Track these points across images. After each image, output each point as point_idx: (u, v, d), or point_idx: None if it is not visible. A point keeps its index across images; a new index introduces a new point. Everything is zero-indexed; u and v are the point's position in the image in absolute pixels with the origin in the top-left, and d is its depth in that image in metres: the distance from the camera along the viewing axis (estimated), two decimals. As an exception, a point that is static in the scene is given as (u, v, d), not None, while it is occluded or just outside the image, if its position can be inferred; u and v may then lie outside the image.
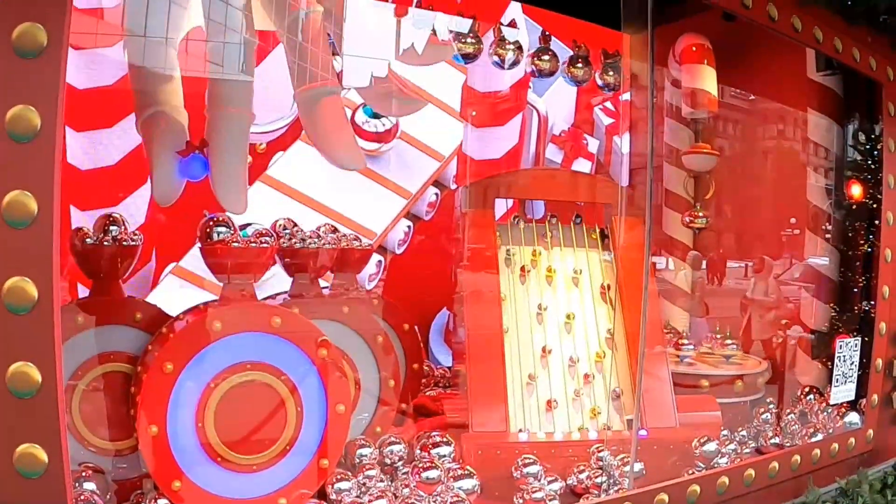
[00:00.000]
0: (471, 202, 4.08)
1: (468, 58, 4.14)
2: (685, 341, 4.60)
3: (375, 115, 4.79)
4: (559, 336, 3.82)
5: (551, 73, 4.36)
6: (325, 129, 3.37)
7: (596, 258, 4.06)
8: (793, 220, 4.97)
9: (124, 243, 3.15)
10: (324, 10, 3.27)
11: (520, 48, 4.20)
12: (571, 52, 4.48)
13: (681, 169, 5.01)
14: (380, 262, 4.84)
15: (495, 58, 4.17)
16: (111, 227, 3.11)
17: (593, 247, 4.09)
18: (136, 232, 3.24)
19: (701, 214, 4.83)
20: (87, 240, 3.09)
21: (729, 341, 4.72)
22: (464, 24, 4.15)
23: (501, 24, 4.17)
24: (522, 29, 4.72)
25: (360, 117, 4.78)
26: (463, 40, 4.09)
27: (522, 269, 3.92)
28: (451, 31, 4.13)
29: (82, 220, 3.48)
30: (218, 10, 3.00)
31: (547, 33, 4.37)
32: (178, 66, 3.14)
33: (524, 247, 4.00)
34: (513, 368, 3.68)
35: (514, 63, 4.20)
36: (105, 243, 3.10)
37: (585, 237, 4.10)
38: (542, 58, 4.31)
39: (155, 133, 3.12)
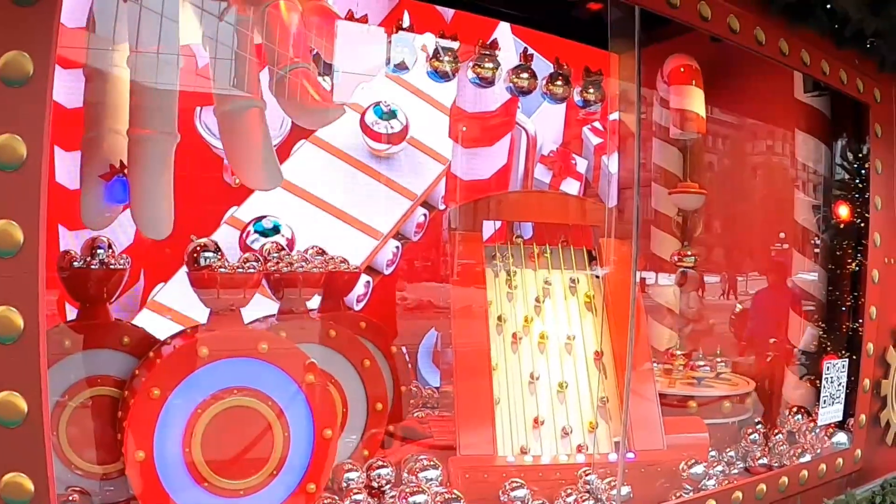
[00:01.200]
0: (459, 223, 4.08)
1: (445, 76, 4.14)
2: (702, 362, 4.62)
3: (385, 117, 4.81)
4: (547, 362, 3.82)
5: (530, 91, 4.34)
6: (237, 145, 3.27)
7: (584, 278, 4.06)
8: (782, 235, 4.99)
9: (111, 266, 3.15)
10: (250, 19, 3.17)
11: (498, 66, 4.20)
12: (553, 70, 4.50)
13: (669, 188, 5.02)
14: (368, 282, 4.84)
15: (473, 76, 4.17)
16: (98, 251, 3.11)
17: (581, 268, 4.09)
18: (124, 255, 3.23)
19: (689, 253, 4.82)
20: (75, 263, 3.09)
21: (719, 360, 4.73)
22: (449, 45, 4.17)
23: (483, 42, 4.15)
24: (510, 48, 4.73)
25: (370, 118, 4.83)
26: (440, 59, 4.08)
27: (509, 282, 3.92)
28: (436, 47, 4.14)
29: (71, 240, 3.47)
30: (150, 24, 2.94)
31: (529, 51, 4.38)
32: (124, 88, 3.07)
33: (513, 268, 4.00)
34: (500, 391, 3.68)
35: (493, 81, 4.19)
36: (92, 267, 3.10)
37: (573, 258, 4.10)
38: (521, 75, 4.31)
39: (88, 155, 3.10)
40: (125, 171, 3.06)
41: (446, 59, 4.11)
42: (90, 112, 3.14)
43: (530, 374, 3.77)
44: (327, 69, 4.69)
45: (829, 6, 3.76)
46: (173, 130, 3.02)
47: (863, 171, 4.41)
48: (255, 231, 4.42)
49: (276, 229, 4.42)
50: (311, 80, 3.28)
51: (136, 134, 2.96)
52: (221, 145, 3.39)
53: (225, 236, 4.33)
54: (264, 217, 4.46)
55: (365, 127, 4.84)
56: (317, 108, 3.36)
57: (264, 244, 3.56)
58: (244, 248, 4.30)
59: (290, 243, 4.36)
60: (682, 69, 4.58)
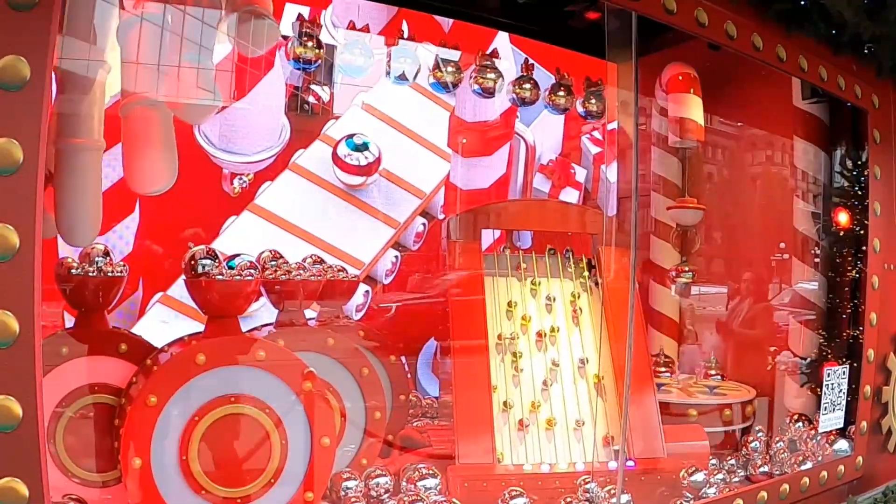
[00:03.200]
0: (459, 232, 4.08)
1: (447, 87, 4.15)
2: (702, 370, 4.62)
3: (357, 149, 4.79)
4: (546, 367, 3.81)
5: (533, 102, 4.37)
6: (127, 145, 3.12)
7: (582, 287, 4.05)
8: (782, 245, 4.98)
9: (109, 274, 3.14)
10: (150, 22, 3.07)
11: (500, 76, 4.21)
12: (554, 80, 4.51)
13: (668, 197, 5.01)
14: (367, 292, 4.83)
15: (476, 86, 4.18)
16: (96, 258, 3.10)
17: (580, 277, 4.08)
18: (122, 263, 3.23)
19: (687, 269, 4.80)
20: (72, 270, 3.08)
21: (713, 372, 4.72)
22: (449, 54, 4.18)
23: (484, 53, 4.17)
24: (509, 58, 4.74)
25: (343, 150, 4.78)
26: (442, 69, 4.09)
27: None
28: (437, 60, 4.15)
29: (69, 249, 3.47)
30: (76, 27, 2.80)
31: (530, 61, 4.39)
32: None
33: (510, 277, 3.99)
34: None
35: (494, 92, 4.20)
36: (90, 274, 3.10)
37: (573, 267, 4.09)
38: (524, 86, 4.32)
39: None
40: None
41: (448, 69, 4.12)
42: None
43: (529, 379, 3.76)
44: (327, 79, 4.73)
45: (825, 12, 3.76)
46: (100, 140, 2.92)
47: (862, 178, 4.41)
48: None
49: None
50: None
51: (63, 143, 2.82)
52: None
53: (224, 245, 4.32)
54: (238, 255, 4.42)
55: (337, 159, 4.81)
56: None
57: (262, 252, 3.54)
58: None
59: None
60: (680, 77, 4.58)
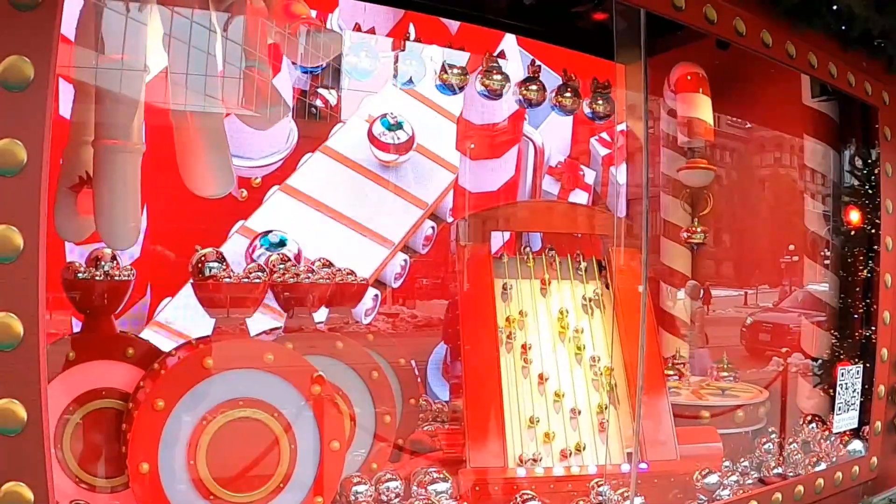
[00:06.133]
0: (469, 235, 4.06)
1: (453, 89, 4.14)
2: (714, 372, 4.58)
3: (391, 128, 4.81)
4: (557, 371, 3.79)
5: (539, 103, 4.34)
6: (184, 151, 3.17)
7: (593, 289, 4.03)
8: (791, 248, 4.95)
9: (116, 278, 3.12)
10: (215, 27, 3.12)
11: (507, 78, 4.19)
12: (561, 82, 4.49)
13: (678, 199, 4.99)
14: (376, 296, 4.81)
15: (482, 88, 4.16)
16: (103, 262, 3.08)
17: (591, 279, 4.05)
18: (129, 267, 3.21)
19: (699, 230, 4.77)
20: (79, 274, 3.07)
21: (725, 374, 4.69)
22: (456, 57, 4.17)
23: (491, 54, 4.15)
24: (516, 59, 4.73)
25: (378, 129, 4.87)
26: (449, 71, 4.08)
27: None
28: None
29: (77, 253, 3.46)
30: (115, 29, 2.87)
31: (537, 62, 4.37)
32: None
33: (521, 280, 3.97)
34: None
35: (501, 93, 4.18)
36: (96, 278, 3.07)
37: (583, 269, 4.06)
38: (530, 88, 4.30)
39: (63, 168, 3.07)
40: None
41: (455, 71, 4.11)
42: (73, 123, 3.10)
43: (540, 378, 3.74)
44: (334, 82, 4.72)
45: (834, 6, 3.73)
46: (140, 142, 2.94)
47: (873, 176, 4.37)
48: (262, 245, 4.42)
49: (282, 243, 4.42)
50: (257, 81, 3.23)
51: (101, 145, 2.88)
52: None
53: (232, 250, 4.32)
54: (271, 231, 4.45)
55: (373, 138, 4.86)
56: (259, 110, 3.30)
57: (270, 256, 3.53)
58: (250, 261, 4.28)
59: (297, 258, 4.35)
60: (688, 77, 4.56)
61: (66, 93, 3.65)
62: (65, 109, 3.20)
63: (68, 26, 2.94)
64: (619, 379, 3.80)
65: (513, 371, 3.72)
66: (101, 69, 2.83)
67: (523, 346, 3.79)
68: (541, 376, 3.73)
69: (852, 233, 4.52)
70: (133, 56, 2.85)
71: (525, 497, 3.25)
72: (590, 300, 3.98)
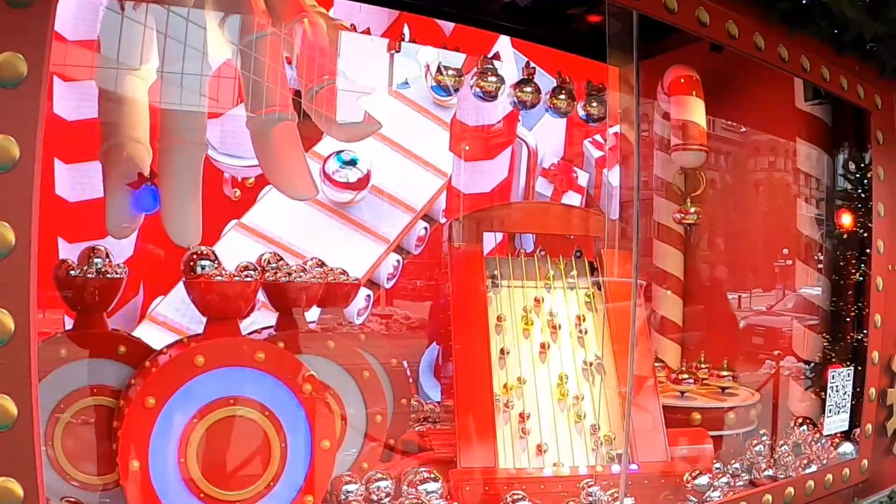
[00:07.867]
0: (462, 236, 4.06)
1: (448, 90, 4.14)
2: (685, 376, 4.56)
3: (346, 164, 4.76)
4: (548, 371, 3.79)
5: (534, 105, 4.35)
6: (276, 157, 3.33)
7: (585, 290, 4.03)
8: (785, 251, 4.96)
9: (108, 276, 3.12)
10: (279, 34, 3.21)
11: (502, 80, 4.20)
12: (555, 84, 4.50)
13: (671, 202, 4.99)
14: (368, 296, 4.81)
15: (477, 90, 4.17)
16: (95, 260, 3.08)
17: (582, 280, 4.06)
18: (121, 265, 3.21)
19: (692, 210, 4.76)
20: (71, 272, 3.07)
21: (724, 373, 4.68)
22: (451, 58, 4.17)
23: (485, 56, 4.16)
24: (511, 61, 4.73)
25: (332, 166, 4.73)
26: (444, 73, 4.09)
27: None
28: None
29: (71, 252, 3.46)
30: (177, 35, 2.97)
31: (531, 64, 4.38)
32: (145, 98, 3.12)
33: (513, 281, 3.98)
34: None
35: (496, 95, 4.19)
36: (89, 276, 3.08)
37: (575, 271, 4.07)
38: (525, 89, 4.31)
39: (110, 165, 3.11)
40: (154, 179, 3.11)
41: (450, 73, 4.12)
42: (108, 123, 3.15)
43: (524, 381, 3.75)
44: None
45: (827, 10, 3.74)
46: (202, 141, 3.13)
47: (865, 180, 4.39)
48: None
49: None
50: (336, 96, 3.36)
51: (167, 143, 2.99)
52: (256, 157, 3.45)
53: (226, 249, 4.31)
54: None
55: (326, 176, 4.75)
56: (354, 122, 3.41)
57: (263, 254, 3.52)
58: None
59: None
60: (682, 80, 4.57)
61: (64, 93, 3.72)
62: (64, 110, 3.24)
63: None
64: (610, 379, 3.81)
65: (504, 371, 3.73)
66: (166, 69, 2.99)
67: (515, 347, 3.80)
68: (533, 380, 3.73)
69: (844, 236, 4.53)
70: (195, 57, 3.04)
71: (515, 497, 3.25)
72: (582, 302, 3.99)
